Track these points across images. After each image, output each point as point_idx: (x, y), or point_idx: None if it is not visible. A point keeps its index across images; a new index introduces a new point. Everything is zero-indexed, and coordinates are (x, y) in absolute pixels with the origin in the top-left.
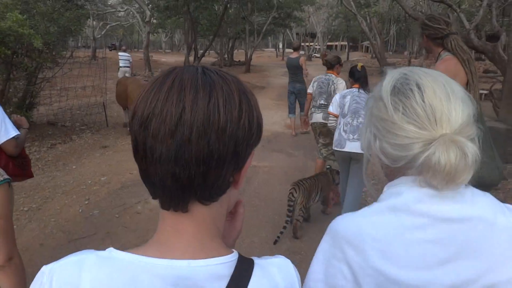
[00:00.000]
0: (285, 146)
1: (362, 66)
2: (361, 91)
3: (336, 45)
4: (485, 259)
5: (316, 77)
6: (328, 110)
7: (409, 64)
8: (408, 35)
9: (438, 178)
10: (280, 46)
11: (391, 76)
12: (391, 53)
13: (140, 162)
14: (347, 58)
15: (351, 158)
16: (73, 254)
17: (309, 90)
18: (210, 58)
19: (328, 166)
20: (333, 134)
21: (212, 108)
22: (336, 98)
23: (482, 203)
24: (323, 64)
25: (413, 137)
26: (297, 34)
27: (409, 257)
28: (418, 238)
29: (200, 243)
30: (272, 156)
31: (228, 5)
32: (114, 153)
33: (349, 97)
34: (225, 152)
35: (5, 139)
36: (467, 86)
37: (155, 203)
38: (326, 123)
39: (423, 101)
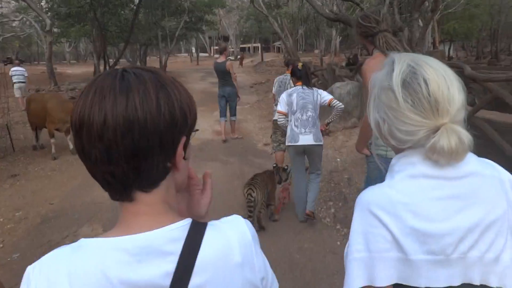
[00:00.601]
0: (218, 153)
1: (302, 65)
2: (304, 87)
3: (249, 47)
4: (485, 203)
5: (277, 77)
6: (277, 109)
7: (321, 62)
8: (317, 34)
9: (443, 159)
10: (194, 50)
11: (400, 68)
12: (301, 51)
13: (84, 163)
14: (262, 59)
15: (305, 151)
16: (52, 251)
17: (273, 91)
18: (121, 66)
19: (274, 164)
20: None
21: (130, 110)
22: (283, 96)
23: (473, 162)
24: (240, 64)
25: (419, 125)
26: (209, 37)
27: (434, 212)
28: (438, 196)
29: (155, 218)
30: (206, 166)
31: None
32: (27, 182)
33: (295, 94)
34: (150, 146)
35: None
36: None
37: (87, 233)
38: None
39: (429, 95)
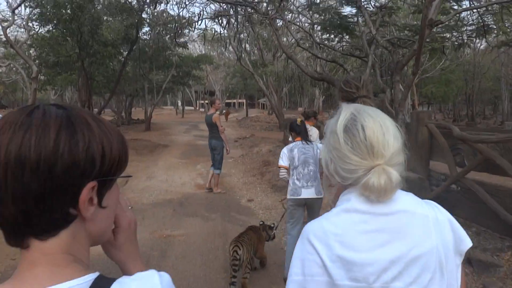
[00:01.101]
0: (199, 208)
1: (301, 121)
2: (303, 142)
3: (234, 103)
4: (410, 238)
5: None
6: (278, 163)
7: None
8: (301, 92)
9: (373, 195)
10: (179, 103)
11: (344, 116)
12: (285, 109)
13: None
14: (246, 114)
15: (306, 204)
16: None
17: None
18: (106, 117)
19: (261, 222)
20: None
21: (23, 148)
22: (284, 151)
23: (406, 200)
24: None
25: (357, 165)
26: (196, 92)
27: (360, 244)
28: (365, 229)
29: (52, 271)
30: (186, 222)
31: (127, 62)
32: None
33: (296, 150)
34: (43, 189)
35: None
36: None
37: None
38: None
39: (365, 139)
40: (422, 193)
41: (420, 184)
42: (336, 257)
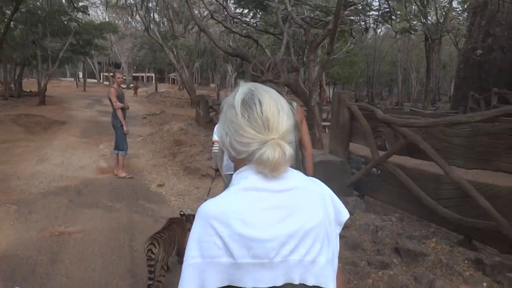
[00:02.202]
0: (100, 197)
1: None
2: None
3: (142, 76)
4: (304, 213)
5: None
6: (213, 138)
7: (218, 95)
8: (213, 68)
9: (267, 169)
10: (81, 75)
11: (242, 90)
12: (197, 85)
13: None
14: (156, 89)
15: None
16: None
17: None
18: None
19: (181, 212)
20: None
21: None
22: (216, 127)
23: (297, 178)
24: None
25: (252, 138)
26: (99, 63)
27: (259, 221)
28: (264, 207)
29: None
30: (85, 215)
31: (12, 25)
32: None
33: None
34: None
35: None
36: None
37: None
38: None
39: (262, 113)
40: (343, 176)
41: (342, 167)
42: (237, 235)
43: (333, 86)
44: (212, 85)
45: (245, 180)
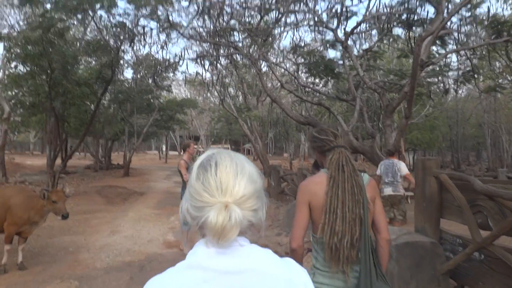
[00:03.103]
0: None
1: None
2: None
3: (219, 147)
4: None
5: (382, 161)
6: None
7: (290, 165)
8: (286, 138)
9: (211, 234)
10: (164, 148)
11: (205, 154)
12: (270, 155)
13: None
14: None
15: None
16: None
17: (377, 172)
18: (85, 161)
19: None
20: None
21: None
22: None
23: (258, 258)
24: None
25: (206, 202)
26: (180, 136)
27: None
28: None
29: None
30: None
31: (105, 104)
32: None
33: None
34: None
35: None
36: (324, 210)
37: None
38: (395, 194)
39: (216, 174)
40: (436, 262)
41: (433, 250)
42: None
43: (413, 152)
44: (285, 155)
45: (193, 256)
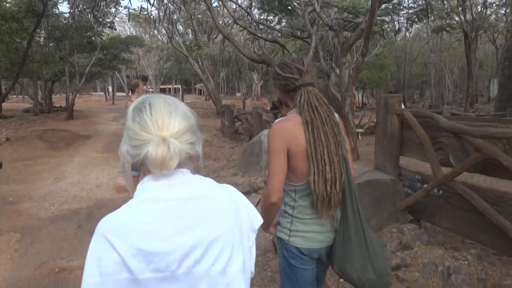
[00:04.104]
0: None
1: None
2: None
3: (169, 88)
4: (210, 222)
5: None
6: None
7: (244, 105)
8: (239, 77)
9: (153, 166)
10: (110, 89)
11: (138, 99)
12: (223, 94)
13: None
14: (182, 100)
15: None
16: None
17: None
18: (24, 104)
19: None
20: None
21: None
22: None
23: (204, 185)
24: None
25: (144, 139)
26: (127, 77)
27: (159, 233)
28: (165, 217)
29: None
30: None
31: (42, 42)
32: None
33: None
34: None
35: None
36: (307, 153)
37: None
38: None
39: (151, 115)
40: (396, 198)
41: (394, 187)
42: (136, 250)
43: (361, 90)
44: (238, 94)
45: (147, 192)
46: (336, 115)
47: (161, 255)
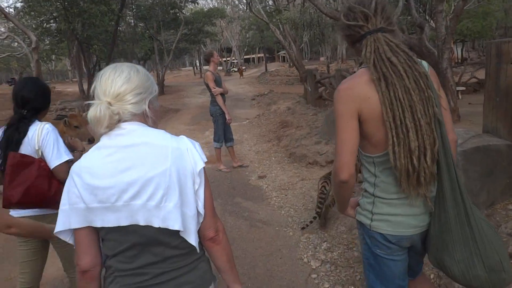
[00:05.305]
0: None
1: None
2: None
3: (253, 58)
4: (147, 164)
5: None
6: None
7: (328, 69)
8: (322, 40)
9: (92, 125)
10: (197, 63)
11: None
12: (306, 60)
13: None
14: (266, 69)
15: None
16: None
17: None
18: None
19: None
20: None
21: None
22: None
23: (151, 135)
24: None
25: (96, 104)
26: (207, 50)
27: (104, 172)
28: (110, 160)
29: None
30: None
31: (132, 23)
32: None
33: None
34: None
35: (57, 163)
36: (383, 118)
37: None
38: None
39: (100, 82)
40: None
41: (509, 154)
42: (86, 185)
43: (461, 44)
44: (322, 59)
45: (100, 140)
46: (425, 63)
47: (102, 189)
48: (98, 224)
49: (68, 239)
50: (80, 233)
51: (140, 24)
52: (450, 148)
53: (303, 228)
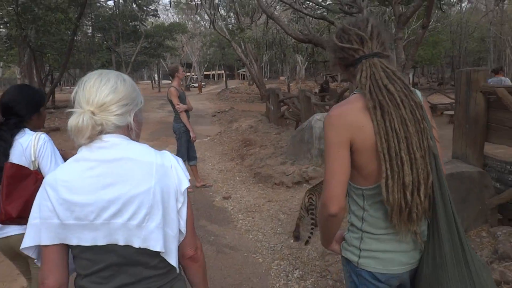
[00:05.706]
0: None
1: None
2: None
3: (213, 74)
4: (130, 181)
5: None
6: None
7: (288, 88)
8: (283, 60)
9: (72, 135)
10: (156, 77)
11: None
12: (266, 79)
13: None
14: (226, 86)
15: None
16: None
17: None
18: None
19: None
20: None
21: None
22: None
23: (134, 149)
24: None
25: (77, 112)
26: (172, 64)
27: (83, 187)
28: (90, 175)
29: None
30: None
31: (89, 33)
32: None
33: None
34: None
35: None
36: (377, 149)
37: None
38: None
39: (83, 90)
40: (484, 195)
41: (481, 181)
42: (62, 200)
43: (412, 70)
44: (282, 78)
45: (79, 152)
46: (418, 92)
47: (80, 206)
48: (74, 242)
49: (31, 253)
50: (49, 250)
51: (98, 35)
52: (445, 182)
53: (307, 242)
